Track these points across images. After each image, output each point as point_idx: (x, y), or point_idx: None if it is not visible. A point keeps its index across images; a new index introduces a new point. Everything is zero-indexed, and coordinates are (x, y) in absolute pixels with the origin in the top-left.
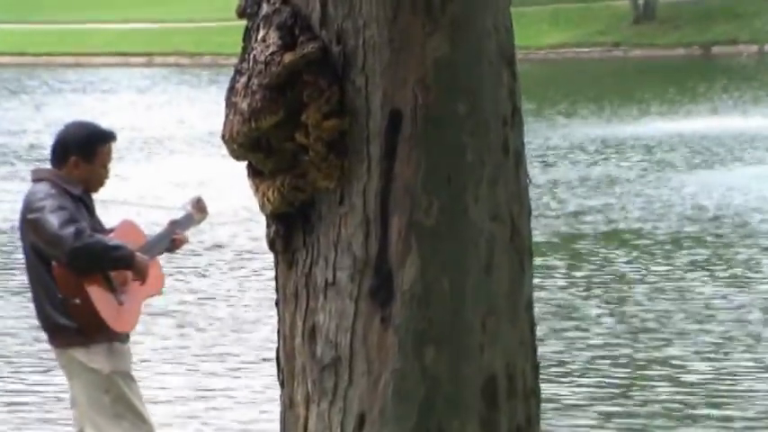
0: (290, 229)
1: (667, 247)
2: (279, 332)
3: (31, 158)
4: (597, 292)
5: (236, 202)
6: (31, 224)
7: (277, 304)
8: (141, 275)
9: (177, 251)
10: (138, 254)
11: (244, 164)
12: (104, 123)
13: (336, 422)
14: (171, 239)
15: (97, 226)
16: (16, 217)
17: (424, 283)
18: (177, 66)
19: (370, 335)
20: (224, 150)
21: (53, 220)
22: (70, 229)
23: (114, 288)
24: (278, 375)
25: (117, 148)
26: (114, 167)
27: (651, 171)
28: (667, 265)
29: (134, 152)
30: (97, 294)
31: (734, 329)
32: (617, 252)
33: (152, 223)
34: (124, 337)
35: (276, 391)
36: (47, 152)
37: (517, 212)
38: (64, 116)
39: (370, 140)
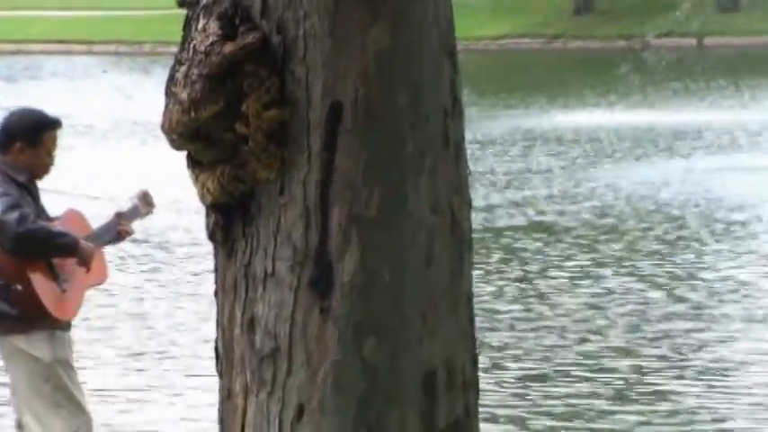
0: (229, 219)
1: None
2: (217, 322)
3: None
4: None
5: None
6: None
7: (216, 295)
8: (86, 263)
9: (121, 242)
10: (82, 241)
11: (178, 153)
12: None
13: (275, 413)
14: (117, 231)
15: (42, 214)
16: None
17: (364, 275)
18: (117, 54)
19: (309, 326)
20: (154, 138)
21: None
22: (14, 215)
23: (57, 275)
24: (216, 366)
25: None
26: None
27: (567, 163)
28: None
29: (67, 139)
30: (39, 281)
31: (646, 325)
32: (531, 245)
33: (96, 215)
34: (65, 325)
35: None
36: None
37: (457, 204)
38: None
39: (311, 131)
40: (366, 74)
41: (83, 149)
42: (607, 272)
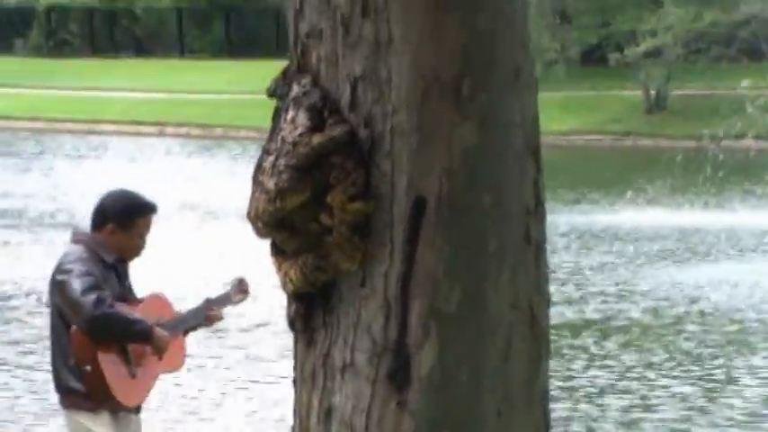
0: (310, 308)
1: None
2: (295, 411)
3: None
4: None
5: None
6: (57, 285)
7: (294, 383)
8: (159, 351)
9: (209, 326)
10: (157, 330)
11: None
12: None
13: None
14: (205, 315)
15: (127, 294)
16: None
17: (441, 369)
18: (188, 136)
19: (386, 418)
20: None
21: (77, 285)
22: (92, 297)
23: (129, 360)
24: None
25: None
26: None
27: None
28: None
29: None
30: (109, 365)
31: None
32: (580, 342)
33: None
34: (134, 408)
35: None
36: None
37: (536, 302)
38: (72, 181)
39: (394, 225)
40: (451, 170)
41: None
42: (651, 374)
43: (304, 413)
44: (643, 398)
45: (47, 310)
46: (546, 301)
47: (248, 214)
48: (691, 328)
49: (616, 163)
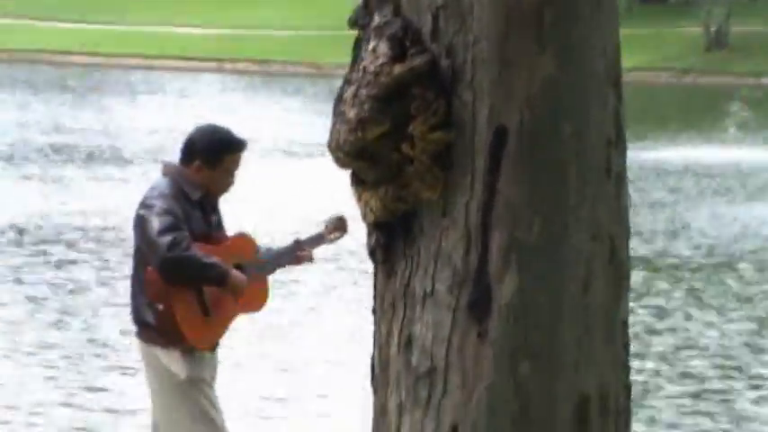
0: (390, 239)
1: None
2: (374, 340)
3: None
4: None
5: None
6: (138, 220)
7: (374, 313)
8: (235, 295)
9: (299, 266)
10: (234, 273)
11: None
12: (177, 126)
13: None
14: (294, 256)
15: (213, 231)
16: None
17: (521, 299)
18: (247, 72)
19: (466, 347)
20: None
21: (155, 223)
22: (167, 238)
23: (205, 301)
24: (371, 382)
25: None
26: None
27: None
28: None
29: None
30: (182, 305)
31: None
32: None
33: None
34: (209, 347)
35: None
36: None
37: (617, 233)
38: (127, 117)
39: (475, 155)
40: (532, 101)
41: None
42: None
43: (384, 343)
44: (689, 338)
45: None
46: (626, 234)
47: (329, 144)
48: (743, 266)
49: (675, 100)
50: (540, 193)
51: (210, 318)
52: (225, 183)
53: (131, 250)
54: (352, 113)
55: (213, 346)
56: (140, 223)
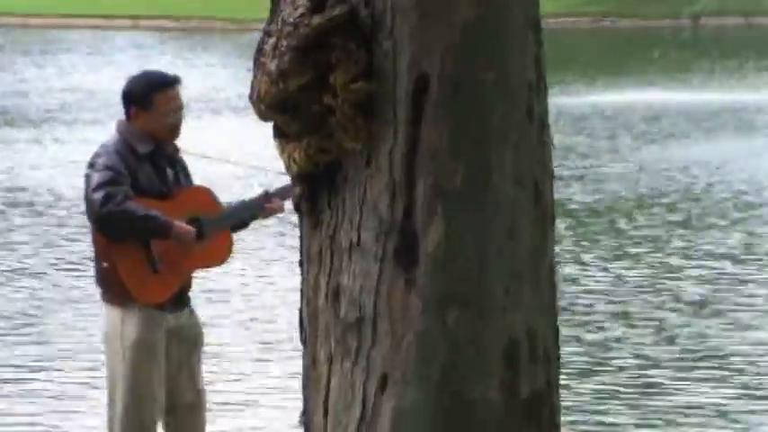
0: (315, 190)
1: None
2: (302, 292)
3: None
4: None
5: None
6: (84, 179)
7: (301, 264)
8: (185, 246)
9: (266, 219)
10: (178, 225)
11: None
12: (83, 84)
13: (359, 382)
14: (263, 208)
15: (170, 187)
16: None
17: (448, 246)
18: (164, 29)
19: (393, 296)
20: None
21: (94, 179)
22: (100, 193)
23: (152, 257)
24: (300, 335)
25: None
26: (80, 130)
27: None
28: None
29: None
30: (125, 261)
31: None
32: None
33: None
34: (169, 306)
35: None
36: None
37: (541, 178)
38: (37, 77)
39: (397, 104)
40: (452, 47)
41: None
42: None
43: (311, 294)
44: (620, 275)
45: None
46: (550, 177)
47: (250, 97)
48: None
49: (594, 45)
50: (463, 140)
51: (160, 273)
52: (166, 124)
53: (41, 211)
54: (272, 65)
55: (180, 304)
56: (85, 182)
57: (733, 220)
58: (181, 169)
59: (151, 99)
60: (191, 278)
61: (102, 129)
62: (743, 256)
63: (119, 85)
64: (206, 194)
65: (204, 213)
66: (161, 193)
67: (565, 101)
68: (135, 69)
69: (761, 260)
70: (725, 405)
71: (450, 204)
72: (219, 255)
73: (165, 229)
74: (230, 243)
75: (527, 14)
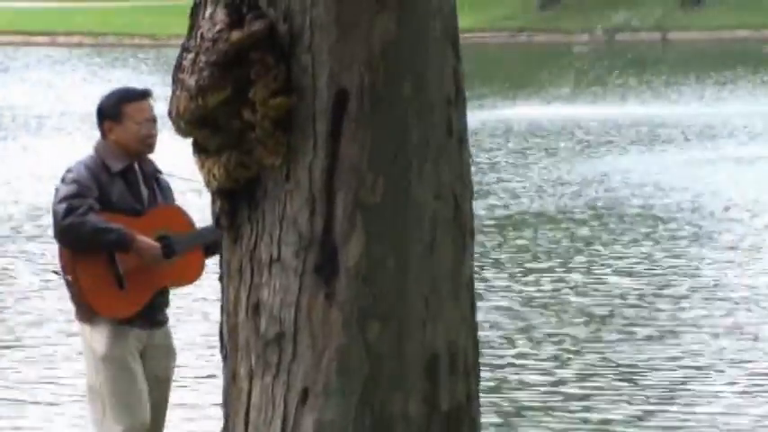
0: (235, 205)
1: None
2: (222, 307)
3: None
4: None
5: None
6: (54, 192)
7: (221, 279)
8: (147, 261)
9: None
10: (141, 239)
11: None
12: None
13: (280, 396)
14: None
15: (144, 205)
16: None
17: (368, 260)
18: (81, 45)
19: (314, 310)
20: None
21: (61, 192)
22: (62, 205)
23: (118, 272)
24: (221, 350)
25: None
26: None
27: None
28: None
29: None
30: (89, 275)
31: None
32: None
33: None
34: (140, 322)
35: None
36: None
37: (460, 192)
38: None
39: (317, 119)
40: (371, 62)
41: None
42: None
43: (232, 309)
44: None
45: None
46: (469, 191)
47: (169, 113)
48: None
49: (512, 60)
50: (383, 154)
51: (126, 289)
52: (138, 136)
53: None
54: (191, 81)
55: (157, 322)
56: (54, 195)
57: (636, 236)
58: (160, 189)
59: (121, 110)
60: (167, 296)
61: (3, 144)
62: (646, 271)
63: (27, 101)
64: (178, 214)
65: (175, 232)
66: (134, 210)
67: (479, 115)
68: (47, 86)
69: (664, 275)
70: (632, 420)
71: (369, 218)
72: (190, 273)
73: (126, 242)
74: (202, 262)
75: (445, 29)
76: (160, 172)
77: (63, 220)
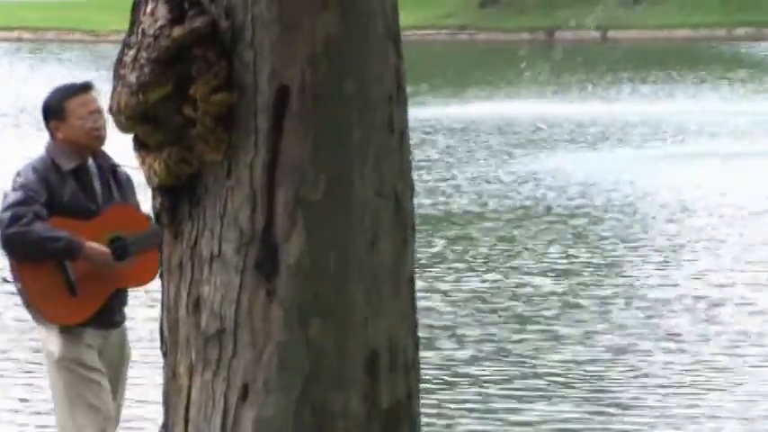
0: (175, 201)
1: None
2: (162, 303)
3: None
4: None
5: None
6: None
7: (161, 276)
8: (98, 267)
9: None
10: (90, 246)
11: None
12: None
13: (220, 393)
14: None
15: (98, 203)
16: None
17: (309, 257)
18: (20, 41)
19: (255, 307)
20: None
21: (8, 199)
22: (7, 214)
23: (69, 277)
24: (161, 346)
25: None
26: None
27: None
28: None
29: None
30: (37, 282)
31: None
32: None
33: None
34: (94, 323)
35: None
36: None
37: (401, 189)
38: None
39: (258, 115)
40: (313, 59)
41: None
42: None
43: (172, 305)
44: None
45: None
46: (410, 188)
47: (110, 109)
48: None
49: (453, 58)
50: (324, 151)
51: (78, 294)
52: (83, 131)
53: None
54: (132, 77)
55: (103, 321)
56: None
57: (558, 235)
58: (117, 184)
59: (63, 107)
60: (124, 296)
61: None
62: (564, 270)
63: None
64: (132, 212)
65: (130, 231)
66: (87, 210)
67: (416, 113)
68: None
69: (581, 273)
70: (559, 422)
71: (310, 215)
72: (146, 274)
73: (73, 250)
74: (159, 262)
75: (388, 27)
76: (117, 165)
77: (6, 230)
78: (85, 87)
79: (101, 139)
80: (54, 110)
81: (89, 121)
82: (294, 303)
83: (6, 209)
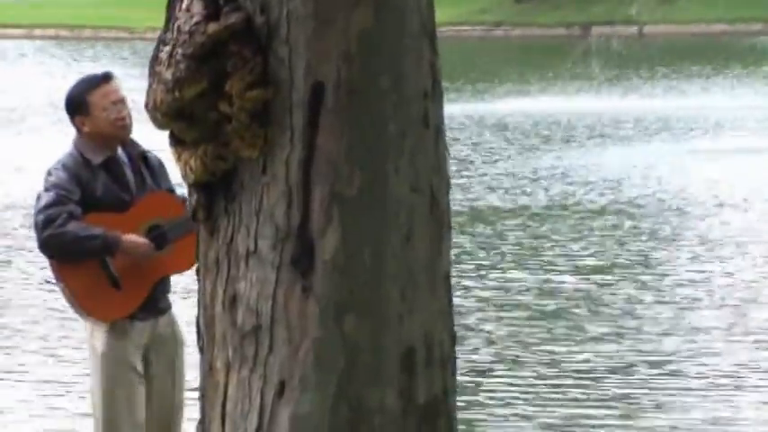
0: (211, 197)
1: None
2: (199, 300)
3: None
4: None
5: None
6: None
7: (198, 272)
8: (138, 258)
9: None
10: (127, 239)
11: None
12: None
13: (256, 389)
14: None
15: (133, 194)
16: None
17: (344, 253)
18: (57, 38)
19: (290, 303)
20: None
21: (41, 201)
22: (41, 216)
23: (111, 272)
24: (198, 342)
25: None
26: None
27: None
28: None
29: None
30: (80, 281)
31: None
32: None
33: None
34: (141, 314)
35: None
36: None
37: (436, 184)
38: None
39: (294, 111)
40: (348, 55)
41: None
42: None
43: (208, 301)
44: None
45: None
46: (446, 184)
47: (146, 105)
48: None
49: (489, 54)
50: (360, 147)
51: (122, 288)
52: (109, 122)
53: None
54: (168, 73)
55: (149, 311)
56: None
57: (599, 231)
58: (150, 170)
59: (86, 101)
60: (167, 283)
61: None
62: (592, 266)
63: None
64: (168, 198)
65: (167, 218)
66: (122, 202)
67: (452, 108)
68: (17, 79)
69: (611, 271)
70: (586, 422)
71: (346, 211)
72: (188, 259)
73: (110, 246)
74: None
75: (423, 23)
76: (147, 151)
77: (42, 233)
78: (106, 78)
79: (126, 128)
80: (77, 105)
81: (113, 112)
82: (330, 299)
83: (40, 211)
